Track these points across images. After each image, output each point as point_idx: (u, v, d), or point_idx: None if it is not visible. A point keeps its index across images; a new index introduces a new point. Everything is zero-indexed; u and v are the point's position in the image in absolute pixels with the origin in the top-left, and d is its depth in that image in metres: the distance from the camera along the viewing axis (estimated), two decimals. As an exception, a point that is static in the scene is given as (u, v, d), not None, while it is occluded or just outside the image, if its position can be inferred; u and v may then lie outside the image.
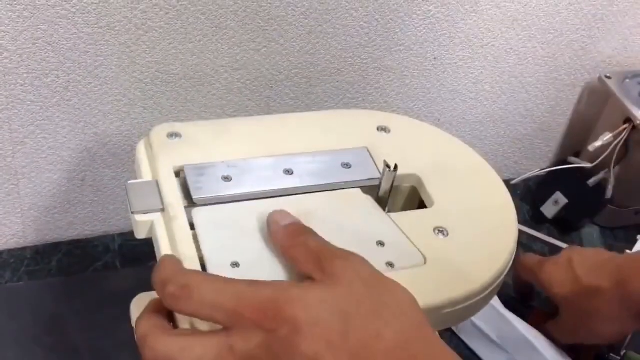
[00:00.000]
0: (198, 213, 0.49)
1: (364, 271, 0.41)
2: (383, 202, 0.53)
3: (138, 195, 0.50)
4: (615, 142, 0.82)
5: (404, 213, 0.54)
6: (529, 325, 0.70)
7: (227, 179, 0.52)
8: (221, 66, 0.71)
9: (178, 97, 0.71)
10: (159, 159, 0.52)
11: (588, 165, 0.85)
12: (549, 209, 0.88)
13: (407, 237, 0.50)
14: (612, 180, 0.84)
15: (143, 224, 0.49)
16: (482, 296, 0.48)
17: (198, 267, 0.45)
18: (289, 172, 0.53)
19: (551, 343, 0.69)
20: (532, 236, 0.86)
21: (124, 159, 0.73)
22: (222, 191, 0.51)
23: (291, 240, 0.44)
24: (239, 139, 0.56)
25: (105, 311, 0.68)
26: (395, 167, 0.52)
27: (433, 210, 0.53)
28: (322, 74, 0.75)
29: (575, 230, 0.89)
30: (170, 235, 0.47)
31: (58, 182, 0.72)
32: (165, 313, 0.42)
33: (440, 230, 0.51)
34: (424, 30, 0.77)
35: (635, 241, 0.84)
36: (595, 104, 0.90)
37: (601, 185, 0.85)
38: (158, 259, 0.48)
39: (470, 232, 0.52)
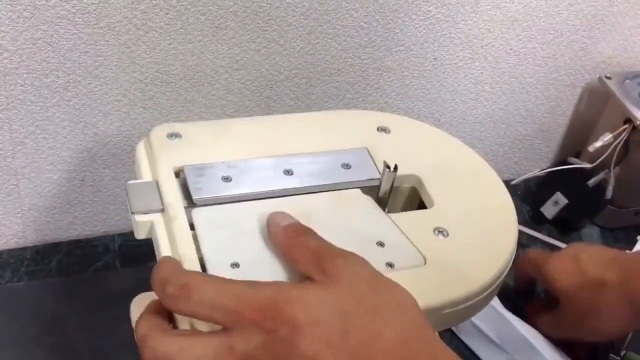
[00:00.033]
0: (198, 213, 0.49)
1: (364, 271, 0.41)
2: (383, 202, 0.54)
3: (138, 195, 0.50)
4: (615, 142, 0.81)
5: (403, 213, 0.54)
6: (528, 326, 0.70)
7: (227, 179, 0.52)
8: (221, 66, 0.71)
9: (178, 97, 0.71)
10: (159, 159, 0.52)
11: (588, 165, 0.85)
12: (549, 210, 0.88)
13: (407, 238, 0.50)
14: (612, 181, 0.84)
15: (143, 224, 0.49)
16: (482, 296, 0.49)
17: (198, 268, 0.45)
18: (288, 172, 0.53)
19: (551, 343, 0.69)
20: (532, 236, 0.86)
21: (123, 159, 0.73)
22: (222, 191, 0.51)
23: (291, 241, 0.44)
24: (238, 140, 0.56)
25: (105, 311, 0.68)
26: (395, 167, 0.52)
27: (433, 211, 0.53)
28: (322, 74, 0.75)
29: (575, 230, 0.89)
30: (170, 236, 0.47)
31: (58, 182, 0.72)
32: (165, 314, 0.42)
33: (440, 231, 0.51)
34: (424, 31, 0.77)
35: (635, 242, 0.84)
36: (595, 105, 0.90)
37: (601, 186, 0.85)
38: (158, 259, 0.48)
39: (470, 232, 0.52)
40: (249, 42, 0.70)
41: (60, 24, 0.62)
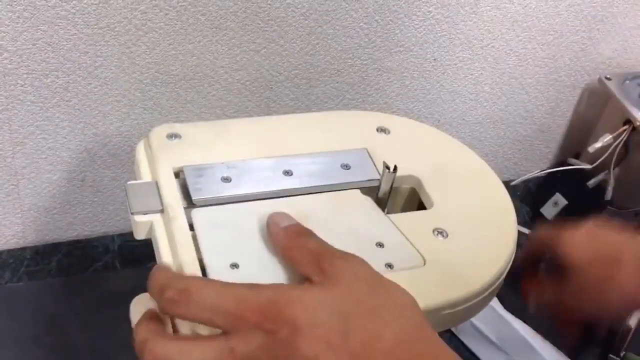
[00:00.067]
0: (197, 214, 0.49)
1: (364, 272, 0.41)
2: (382, 203, 0.53)
3: (137, 196, 0.50)
4: (615, 143, 0.82)
5: (403, 214, 0.54)
6: (528, 327, 0.70)
7: (226, 179, 0.52)
8: (221, 67, 0.71)
9: (178, 97, 0.71)
10: (159, 159, 0.52)
11: (588, 166, 0.85)
12: (549, 210, 0.88)
13: (407, 239, 0.50)
14: (611, 182, 0.84)
15: (142, 224, 0.49)
16: (481, 297, 0.48)
17: (197, 268, 0.45)
18: (288, 173, 0.53)
19: (550, 344, 0.69)
20: (532, 237, 0.86)
21: (123, 159, 0.73)
22: (221, 192, 0.51)
23: (291, 242, 0.44)
24: (238, 140, 0.56)
25: (104, 311, 0.68)
26: (395, 168, 0.52)
27: (432, 212, 0.53)
28: (321, 74, 0.75)
29: (575, 231, 0.89)
30: (170, 236, 0.47)
31: (58, 182, 0.72)
32: (162, 321, 0.42)
33: (440, 232, 0.51)
34: (424, 32, 0.77)
35: (635, 242, 0.84)
36: (595, 106, 0.90)
37: (601, 187, 0.85)
38: (157, 259, 0.48)
39: (470, 233, 0.52)
40: (249, 42, 0.70)
41: (60, 24, 0.62)
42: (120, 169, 0.74)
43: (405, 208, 0.57)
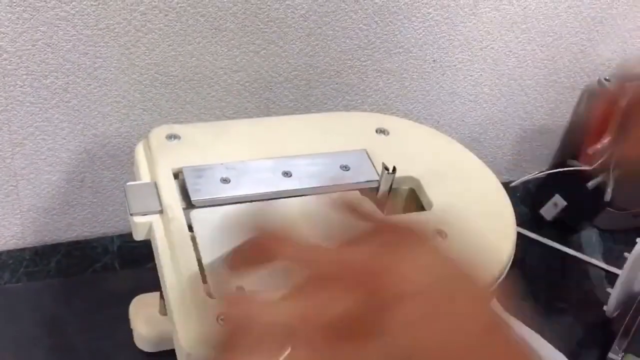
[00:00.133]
0: (196, 215, 0.49)
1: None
2: (382, 204, 0.54)
3: (137, 196, 0.50)
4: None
5: (402, 215, 0.54)
6: (527, 328, 0.70)
7: (225, 180, 0.52)
8: (220, 68, 0.71)
9: (177, 98, 0.71)
10: (158, 160, 0.52)
11: (587, 167, 0.85)
12: (548, 212, 0.88)
13: (406, 240, 0.50)
14: (611, 183, 0.84)
15: (142, 225, 0.49)
16: (480, 298, 0.48)
17: (196, 269, 0.45)
18: (287, 174, 0.53)
19: (549, 344, 0.69)
20: (531, 238, 0.86)
21: (123, 160, 0.73)
22: (220, 193, 0.51)
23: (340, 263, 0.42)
24: (237, 141, 0.56)
25: (104, 312, 0.68)
26: (394, 169, 0.52)
27: (431, 213, 0.53)
28: (321, 76, 0.75)
29: (575, 232, 0.89)
30: (169, 237, 0.47)
31: (57, 183, 0.72)
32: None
33: (439, 233, 0.51)
34: (423, 33, 0.77)
35: (635, 244, 0.84)
36: (595, 107, 0.90)
37: (600, 188, 0.84)
38: (156, 260, 0.48)
39: (469, 234, 0.52)
40: (249, 43, 0.70)
41: (60, 25, 0.62)
42: (120, 169, 0.74)
43: (405, 209, 0.57)
